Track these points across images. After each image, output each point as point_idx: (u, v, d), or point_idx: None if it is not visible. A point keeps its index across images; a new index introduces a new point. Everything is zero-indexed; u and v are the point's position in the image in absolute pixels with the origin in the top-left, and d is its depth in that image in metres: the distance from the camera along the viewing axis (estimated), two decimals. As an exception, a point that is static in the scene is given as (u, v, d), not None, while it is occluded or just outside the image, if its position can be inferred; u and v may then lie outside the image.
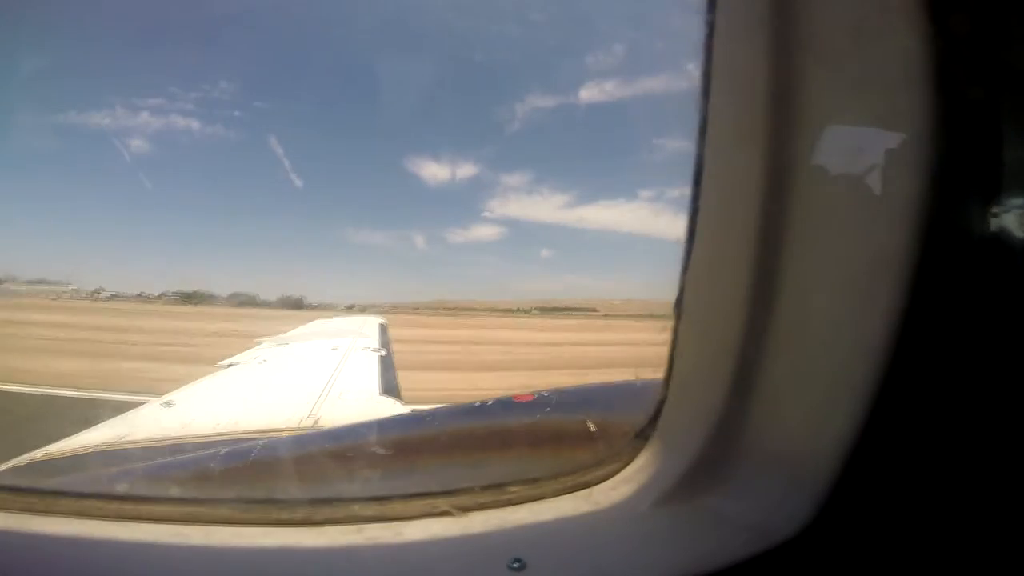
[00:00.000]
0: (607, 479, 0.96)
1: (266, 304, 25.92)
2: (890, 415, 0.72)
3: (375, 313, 12.21)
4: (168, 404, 3.38)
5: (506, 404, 1.66)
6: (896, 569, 0.78)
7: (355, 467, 1.39)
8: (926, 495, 0.75)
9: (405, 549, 0.83)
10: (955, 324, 0.71)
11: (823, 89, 0.75)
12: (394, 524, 0.88)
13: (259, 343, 6.18)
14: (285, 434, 2.53)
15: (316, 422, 2.96)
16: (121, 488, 1.51)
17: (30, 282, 26.21)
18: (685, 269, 0.87)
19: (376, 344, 5.90)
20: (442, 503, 0.91)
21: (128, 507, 0.93)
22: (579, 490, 0.95)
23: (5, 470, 2.15)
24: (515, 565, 0.77)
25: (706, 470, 0.88)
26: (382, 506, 0.92)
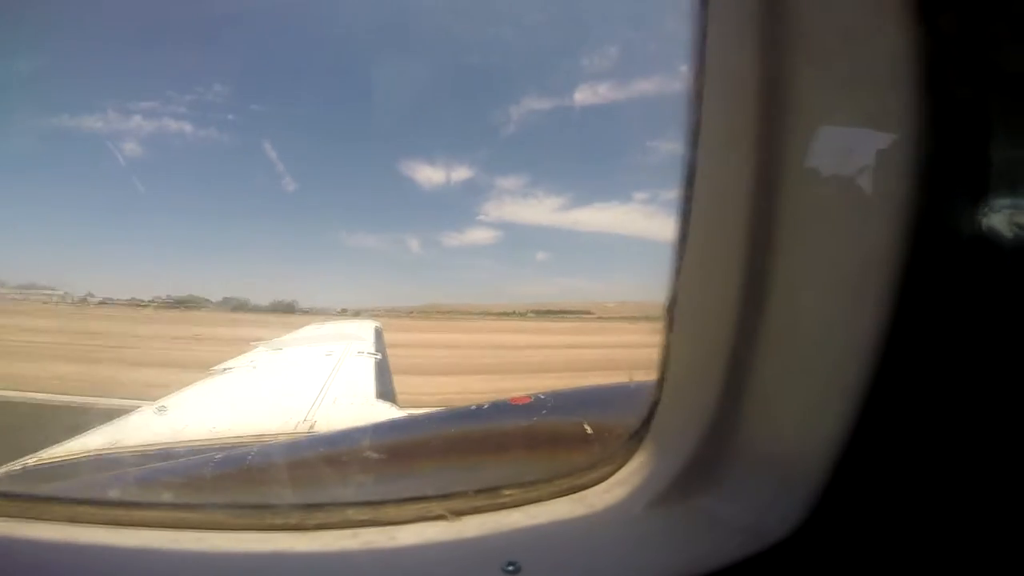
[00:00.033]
0: (601, 481, 0.96)
1: (258, 309, 25.83)
2: (881, 415, 0.73)
3: (369, 317, 12.19)
4: (162, 410, 3.37)
5: (502, 407, 1.66)
6: (888, 569, 0.78)
7: (349, 471, 1.39)
8: (917, 495, 0.76)
9: (399, 553, 0.83)
10: (945, 324, 0.71)
11: (813, 89, 0.75)
12: (388, 528, 0.87)
13: (254, 347, 6.16)
14: (281, 439, 2.52)
15: (312, 427, 2.95)
16: (114, 493, 1.50)
17: (19, 287, 26.05)
18: (677, 271, 0.88)
19: (371, 348, 5.89)
20: (436, 507, 0.90)
21: (121, 512, 0.92)
22: (573, 493, 0.95)
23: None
24: (509, 568, 0.77)
25: (699, 472, 0.88)
26: (376, 510, 0.92)
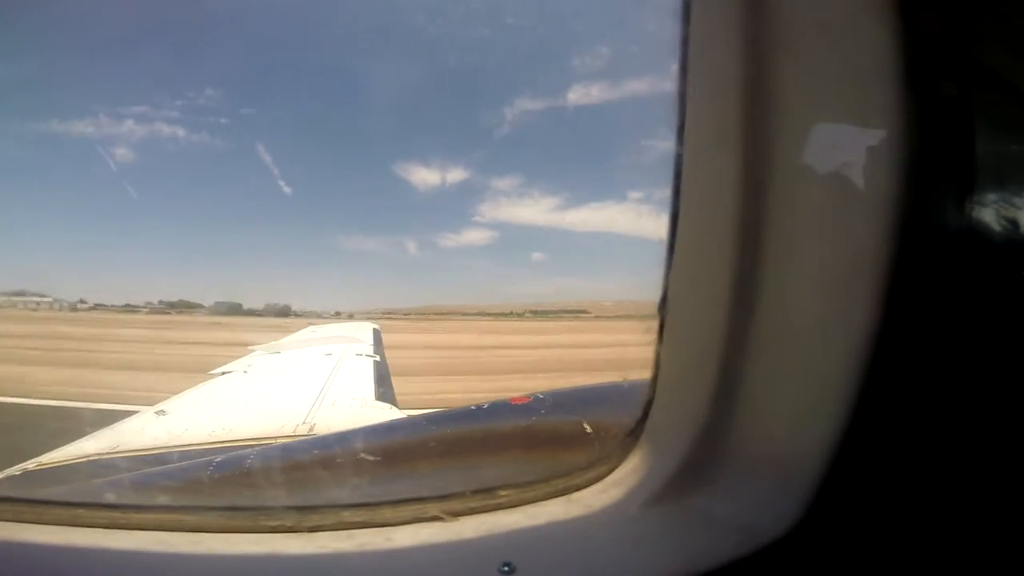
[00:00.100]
0: (596, 482, 0.96)
1: (255, 313, 25.81)
2: (874, 412, 0.73)
3: (366, 319, 12.19)
4: (161, 413, 3.37)
5: (500, 407, 1.66)
6: (883, 568, 0.79)
7: (345, 473, 1.38)
8: (911, 493, 0.76)
9: (395, 555, 0.83)
10: (935, 320, 0.71)
11: (797, 87, 0.75)
12: (384, 530, 0.87)
13: (251, 351, 6.16)
14: (280, 441, 2.52)
15: (311, 429, 2.95)
16: (112, 497, 1.50)
17: (9, 294, 26.02)
18: (668, 270, 0.88)
19: (370, 350, 5.89)
20: (432, 508, 0.90)
21: (119, 516, 0.92)
22: (569, 493, 0.95)
23: None
24: (505, 569, 0.77)
25: (694, 471, 0.88)
26: (372, 512, 0.92)
